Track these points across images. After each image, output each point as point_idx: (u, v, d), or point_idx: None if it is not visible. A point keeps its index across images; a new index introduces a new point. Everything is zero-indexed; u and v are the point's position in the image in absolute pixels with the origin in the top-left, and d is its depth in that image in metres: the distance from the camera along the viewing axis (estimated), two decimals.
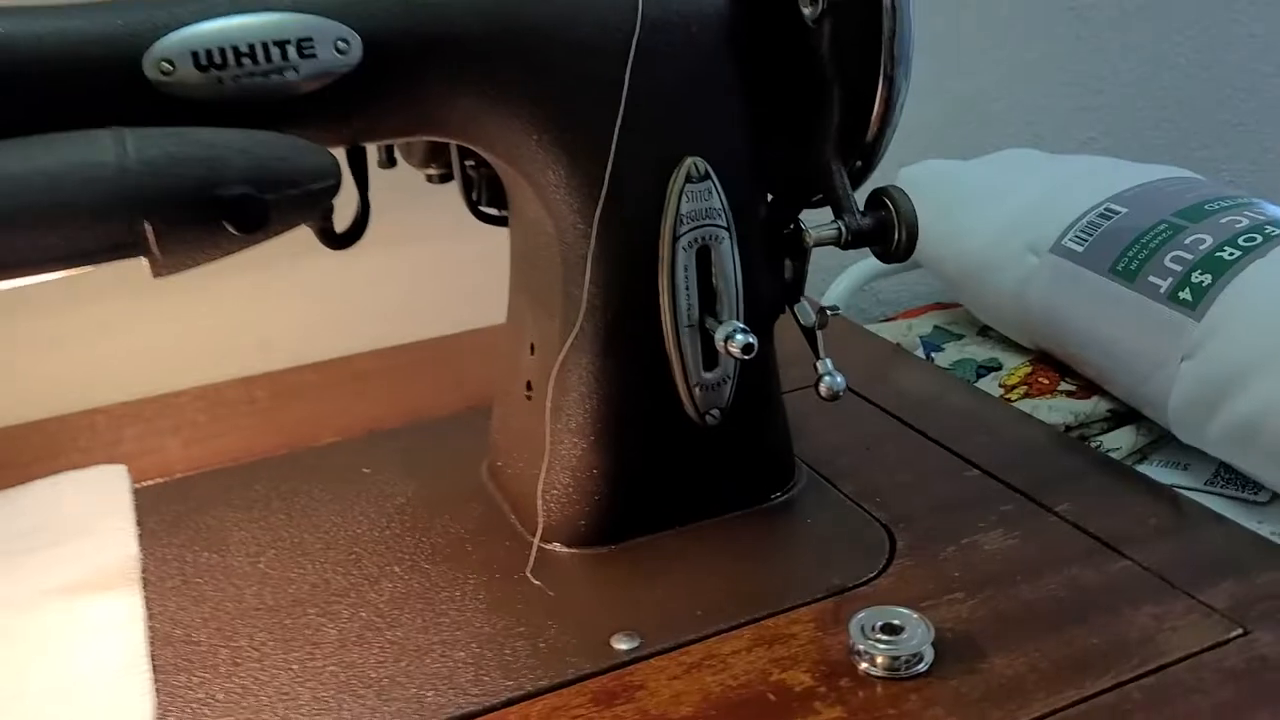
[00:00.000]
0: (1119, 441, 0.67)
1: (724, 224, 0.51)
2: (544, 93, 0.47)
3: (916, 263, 0.84)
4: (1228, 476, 0.63)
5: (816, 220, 0.52)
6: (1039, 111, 1.05)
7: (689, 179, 0.50)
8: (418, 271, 0.82)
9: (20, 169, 0.38)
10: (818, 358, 0.53)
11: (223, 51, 0.42)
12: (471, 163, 0.57)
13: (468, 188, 0.57)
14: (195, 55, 0.42)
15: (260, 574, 0.53)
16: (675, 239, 0.50)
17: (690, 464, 0.54)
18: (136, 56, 0.42)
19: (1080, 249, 0.69)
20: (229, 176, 0.40)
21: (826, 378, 0.52)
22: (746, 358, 0.49)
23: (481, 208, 0.58)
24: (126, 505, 0.58)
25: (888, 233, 0.51)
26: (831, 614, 0.48)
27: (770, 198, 0.54)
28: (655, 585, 0.51)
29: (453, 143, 0.56)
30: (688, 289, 0.51)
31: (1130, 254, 0.65)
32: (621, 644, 0.47)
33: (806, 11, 0.48)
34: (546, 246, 0.52)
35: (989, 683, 0.43)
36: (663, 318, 0.51)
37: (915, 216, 0.50)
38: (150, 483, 0.61)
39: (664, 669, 0.45)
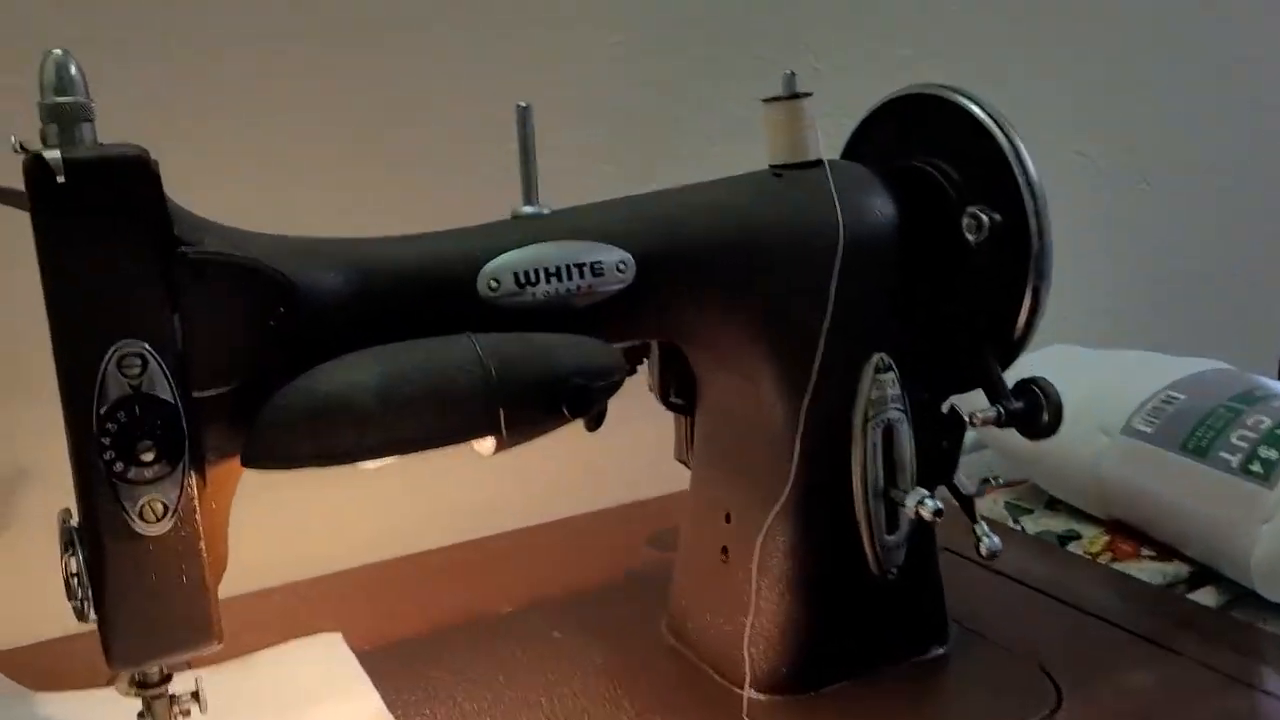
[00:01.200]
0: (1204, 599, 0.76)
1: (902, 408, 0.61)
2: (767, 301, 0.58)
3: (982, 444, 0.95)
4: None
5: (967, 403, 0.63)
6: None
7: (877, 370, 0.60)
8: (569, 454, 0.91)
9: (411, 369, 0.47)
10: (974, 521, 0.62)
11: (536, 271, 0.52)
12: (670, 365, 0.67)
13: (664, 383, 0.67)
14: (515, 274, 0.52)
15: None
16: (866, 421, 0.60)
17: (873, 616, 0.62)
18: (471, 277, 0.52)
19: (1150, 430, 0.80)
20: (563, 371, 0.49)
21: (985, 539, 0.62)
22: (938, 520, 0.59)
23: (671, 399, 0.68)
24: (356, 669, 0.64)
25: (1037, 415, 0.61)
26: None
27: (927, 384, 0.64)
28: None
29: (654, 344, 0.66)
30: (876, 463, 0.60)
31: (1198, 434, 0.77)
32: None
33: (971, 237, 0.59)
34: (748, 430, 0.62)
35: None
36: (854, 488, 0.60)
37: (1061, 402, 0.61)
38: (367, 649, 0.67)
39: None
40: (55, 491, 0.75)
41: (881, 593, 0.62)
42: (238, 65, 0.76)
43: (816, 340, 0.59)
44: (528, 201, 0.56)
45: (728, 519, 0.64)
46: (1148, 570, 0.78)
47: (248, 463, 0.47)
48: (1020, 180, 0.59)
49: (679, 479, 0.86)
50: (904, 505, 0.60)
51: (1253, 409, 0.76)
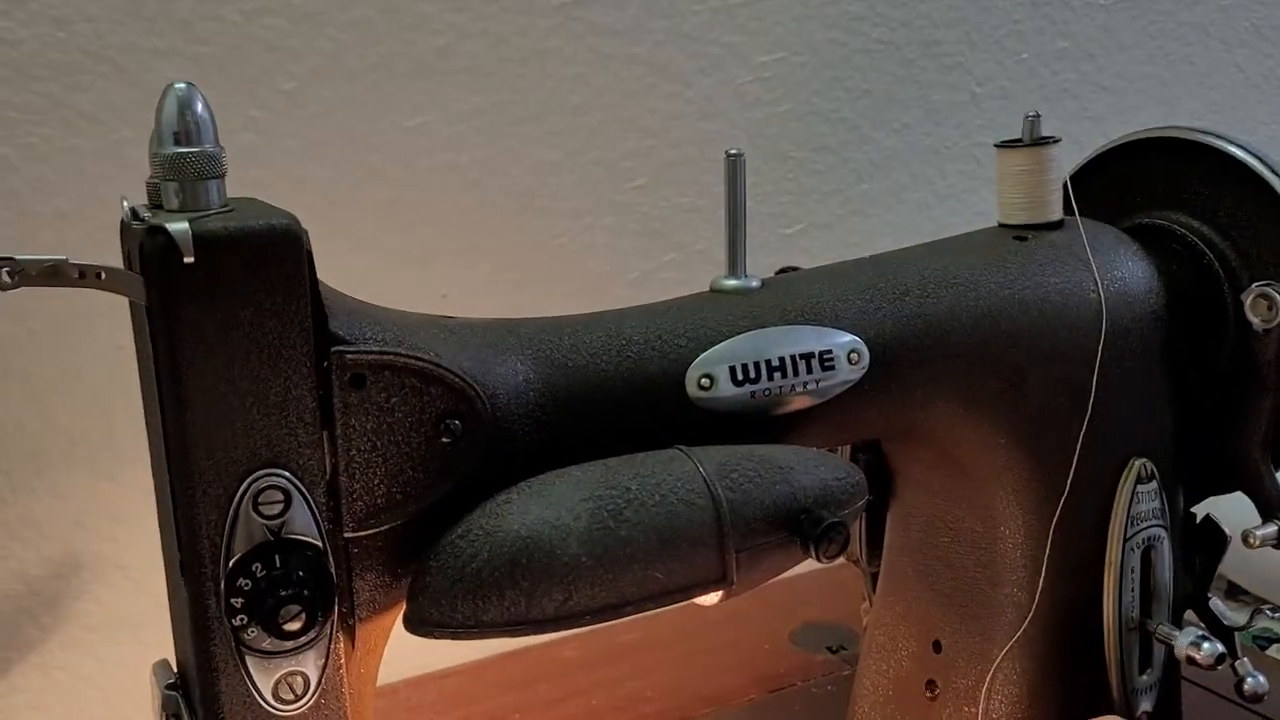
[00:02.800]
0: None
1: (1164, 523, 0.50)
2: (1016, 397, 0.47)
3: None
4: None
5: (1236, 516, 0.52)
6: None
7: (1139, 480, 0.49)
8: None
9: (625, 503, 0.36)
10: (1236, 658, 0.52)
11: (757, 365, 0.42)
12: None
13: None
14: (733, 370, 0.41)
15: None
16: (1125, 540, 0.49)
17: None
18: (679, 372, 0.41)
19: None
20: (805, 500, 0.39)
21: (1250, 679, 0.51)
22: (1217, 668, 0.48)
23: None
24: None
25: None
26: None
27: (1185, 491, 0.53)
28: None
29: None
30: (1133, 590, 0.50)
31: None
32: None
33: (1256, 321, 0.49)
34: (968, 546, 0.51)
35: None
36: (1105, 620, 0.50)
37: None
38: None
39: None
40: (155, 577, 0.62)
41: None
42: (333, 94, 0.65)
43: (1065, 444, 0.48)
44: (733, 273, 0.45)
45: (936, 648, 0.53)
46: None
47: (414, 628, 0.36)
48: None
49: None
50: (1172, 644, 0.49)
51: None
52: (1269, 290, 0.48)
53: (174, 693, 0.37)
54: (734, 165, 0.44)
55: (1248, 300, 0.49)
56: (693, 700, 0.65)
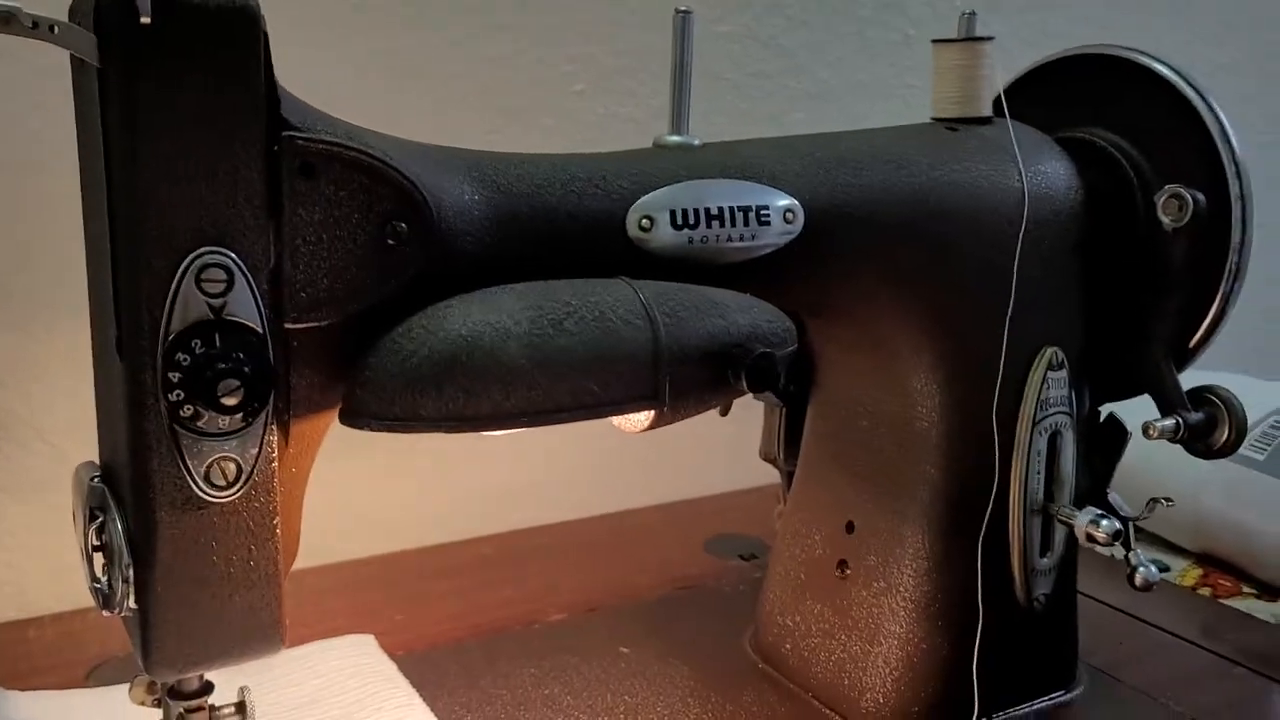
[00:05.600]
0: None
1: (1070, 412, 0.53)
2: (939, 274, 0.49)
3: None
4: None
5: (1137, 413, 0.55)
6: None
7: (1049, 367, 0.52)
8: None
9: (566, 314, 0.37)
10: (1129, 549, 0.54)
11: (696, 212, 0.43)
12: None
13: None
14: (672, 214, 0.42)
15: None
16: (1034, 424, 0.51)
17: (1012, 650, 0.54)
18: (620, 212, 0.42)
19: (1261, 456, 0.73)
20: (740, 334, 0.40)
21: (1141, 568, 0.53)
22: (1114, 543, 0.50)
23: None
24: (395, 676, 0.53)
25: (1216, 429, 0.53)
26: None
27: (1092, 387, 0.56)
28: None
29: None
30: (1039, 473, 0.52)
31: None
32: None
33: (1167, 220, 0.51)
34: (885, 426, 0.53)
35: None
36: (1010, 501, 0.52)
37: (1245, 414, 0.53)
38: (401, 653, 0.56)
39: None
40: (68, 440, 0.62)
41: (1023, 623, 0.54)
42: None
43: (989, 325, 0.50)
44: (676, 130, 0.46)
45: (849, 529, 0.55)
46: (1257, 609, 0.71)
47: (350, 419, 0.36)
48: (1225, 160, 0.52)
49: (740, 477, 0.77)
50: (1072, 524, 0.52)
51: None
52: (1180, 190, 0.51)
53: (100, 485, 0.36)
54: (683, 22, 0.45)
55: (1160, 200, 0.51)
56: (603, 594, 0.66)
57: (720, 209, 0.43)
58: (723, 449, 0.76)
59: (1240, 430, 0.53)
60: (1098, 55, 0.57)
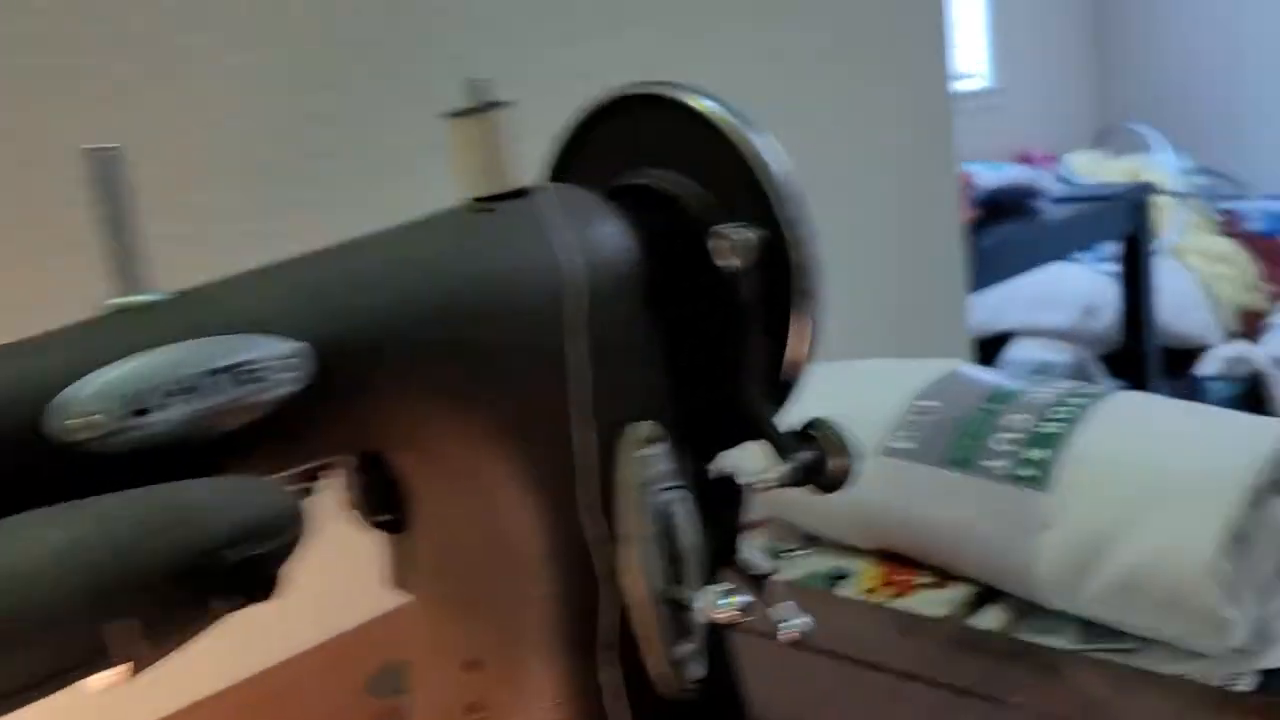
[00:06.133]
0: (991, 621, 0.70)
1: (677, 484, 0.49)
2: (497, 381, 0.44)
3: None
4: (1095, 633, 0.67)
5: (739, 463, 0.52)
6: None
7: (643, 445, 0.47)
8: None
9: None
10: (768, 606, 0.51)
11: (155, 391, 0.35)
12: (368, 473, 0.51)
13: (368, 497, 0.51)
14: (124, 399, 0.35)
15: None
16: (640, 510, 0.47)
17: None
18: (34, 415, 0.33)
19: (911, 445, 0.73)
20: (216, 539, 0.33)
21: (788, 621, 0.51)
22: (749, 618, 0.47)
23: (377, 518, 0.52)
24: None
25: (827, 464, 0.51)
26: None
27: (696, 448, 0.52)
28: None
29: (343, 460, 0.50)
30: (656, 560, 0.48)
31: (962, 444, 0.70)
32: None
33: (724, 263, 0.48)
34: (486, 551, 0.47)
35: None
36: (633, 599, 0.47)
37: (852, 442, 0.51)
38: None
39: None
40: None
41: (680, 714, 0.50)
42: None
43: (558, 421, 0.45)
44: (128, 288, 0.38)
45: (476, 666, 0.49)
46: (933, 602, 0.71)
47: None
48: (772, 188, 0.49)
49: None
50: (698, 607, 0.48)
51: (1009, 407, 0.71)
52: (729, 231, 0.48)
53: None
54: (105, 162, 0.37)
55: (714, 244, 0.48)
56: None
57: (190, 378, 0.36)
58: (366, 569, 0.69)
59: (851, 460, 0.51)
60: (640, 95, 0.53)
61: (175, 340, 0.36)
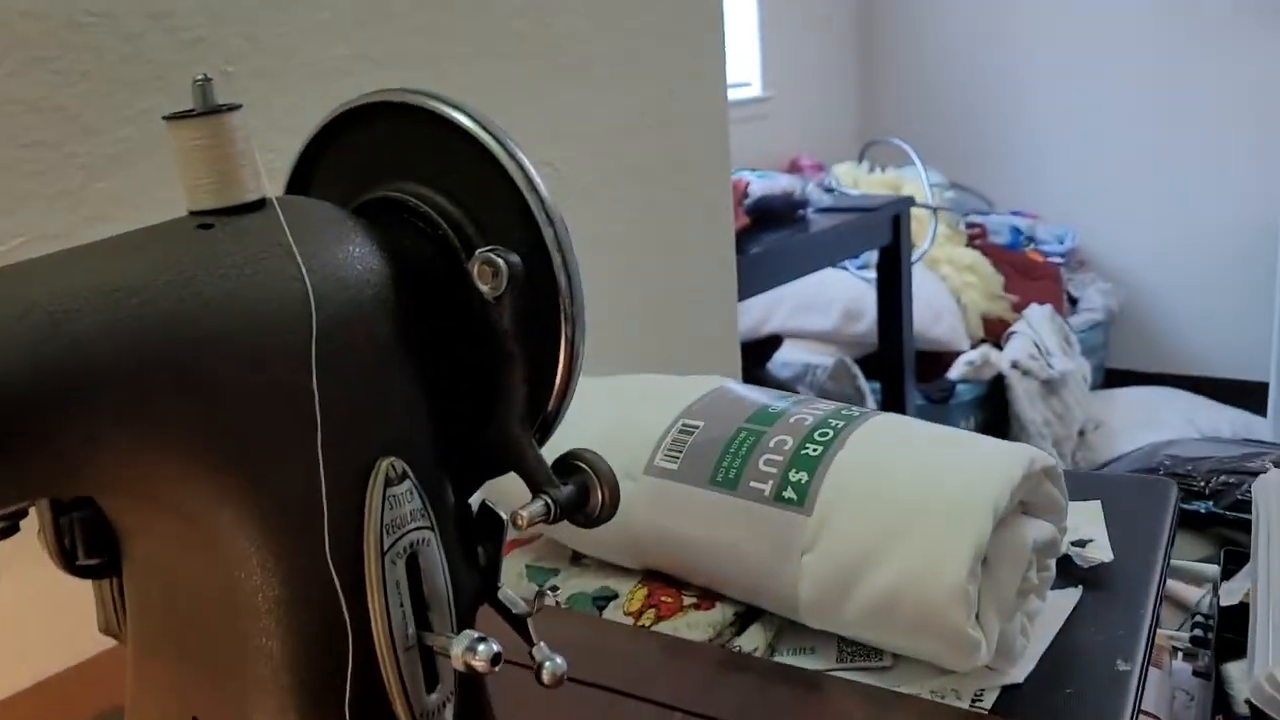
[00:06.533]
0: (753, 641, 0.69)
1: (429, 524, 0.45)
2: (219, 417, 0.39)
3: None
4: (851, 650, 0.68)
5: (501, 499, 0.49)
6: None
7: (388, 483, 0.44)
8: None
9: None
10: (532, 644, 0.49)
11: None
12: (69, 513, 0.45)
13: (63, 541, 0.45)
14: None
15: None
16: (383, 554, 0.43)
17: None
18: None
19: (675, 466, 0.72)
20: None
21: (548, 663, 0.48)
22: (495, 669, 0.44)
23: (80, 563, 0.46)
24: None
25: (590, 498, 0.49)
26: None
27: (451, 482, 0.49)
28: None
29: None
30: (402, 605, 0.44)
31: (725, 464, 0.70)
32: None
33: (486, 289, 0.45)
34: (205, 599, 0.43)
35: None
36: (377, 647, 0.44)
37: (614, 474, 0.49)
38: None
39: None
40: None
41: None
42: None
43: (293, 459, 0.41)
44: None
45: None
46: (697, 624, 0.70)
47: None
48: (536, 209, 0.46)
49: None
50: (448, 655, 0.44)
51: (773, 429, 0.71)
52: (491, 256, 0.45)
53: None
54: None
55: (474, 268, 0.45)
56: None
57: None
58: (75, 608, 0.62)
59: (614, 492, 0.49)
60: (393, 103, 0.49)
61: None
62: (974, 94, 3.85)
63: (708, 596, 0.73)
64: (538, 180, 0.47)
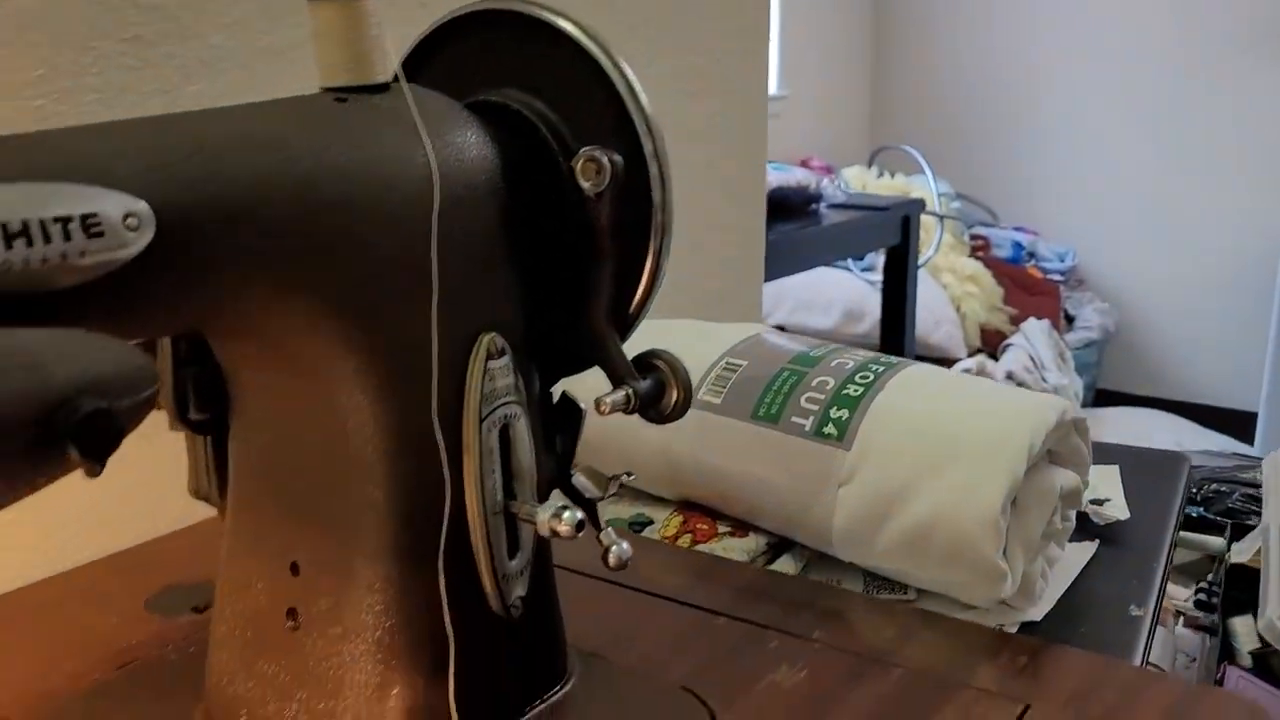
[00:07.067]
0: (784, 568, 0.73)
1: (520, 400, 0.48)
2: (345, 274, 0.42)
3: None
4: (877, 584, 0.72)
5: (585, 389, 0.52)
6: None
7: (489, 356, 0.47)
8: None
9: None
10: (600, 529, 0.52)
11: None
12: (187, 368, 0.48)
13: (181, 390, 0.48)
14: None
15: None
16: (481, 420, 0.46)
17: (495, 664, 0.49)
18: None
19: (718, 400, 0.75)
20: (64, 388, 0.30)
21: (614, 547, 0.51)
22: (578, 535, 0.47)
23: (191, 415, 0.49)
24: None
25: (665, 394, 0.52)
26: None
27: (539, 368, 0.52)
28: None
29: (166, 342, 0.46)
30: (494, 472, 0.47)
31: (767, 400, 0.73)
32: None
33: (587, 185, 0.48)
34: (316, 450, 0.45)
35: None
36: (469, 509, 0.47)
37: (689, 376, 0.52)
38: None
39: None
40: None
41: (504, 634, 0.49)
42: None
43: (407, 321, 0.44)
44: None
45: (294, 570, 0.47)
46: (733, 548, 0.73)
47: None
48: (636, 118, 0.49)
49: (186, 512, 0.67)
50: (534, 522, 0.47)
51: (815, 370, 0.74)
52: (596, 153, 0.48)
53: None
54: None
55: (578, 165, 0.48)
56: (9, 700, 0.52)
57: (25, 223, 0.33)
58: (156, 481, 0.65)
59: (687, 391, 0.52)
60: (504, 11, 0.52)
61: (10, 180, 0.33)
62: (983, 109, 3.89)
63: (743, 526, 0.76)
64: (640, 91, 0.50)
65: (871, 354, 0.77)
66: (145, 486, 0.66)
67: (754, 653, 0.57)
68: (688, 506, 0.79)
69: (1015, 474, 0.64)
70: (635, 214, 0.50)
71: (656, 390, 0.52)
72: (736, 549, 0.73)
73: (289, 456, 0.46)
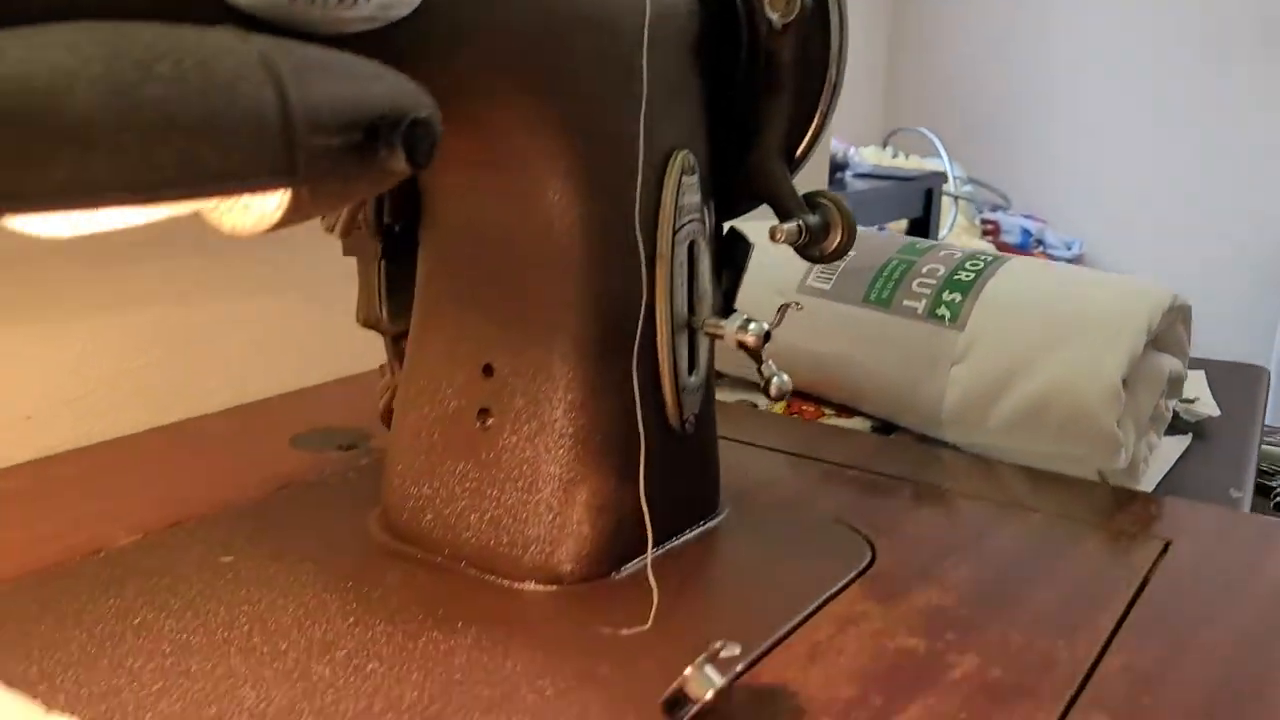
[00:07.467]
0: None
1: (704, 220, 0.50)
2: (565, 79, 0.44)
3: None
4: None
5: (754, 222, 0.54)
6: None
7: (684, 171, 0.48)
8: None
9: (155, 56, 0.26)
10: (761, 362, 0.53)
11: None
12: None
13: (379, 198, 0.49)
14: None
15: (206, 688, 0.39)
16: (674, 233, 0.48)
17: (671, 475, 0.51)
18: None
19: (828, 286, 0.77)
20: (381, 102, 0.31)
21: (775, 379, 0.53)
22: (766, 344, 0.49)
23: (386, 220, 0.50)
24: None
25: (830, 232, 0.54)
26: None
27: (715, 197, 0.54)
28: (695, 599, 0.47)
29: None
30: (682, 286, 0.49)
31: (879, 285, 0.75)
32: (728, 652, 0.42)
33: (774, 17, 0.50)
34: (519, 252, 0.47)
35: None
36: (658, 318, 0.48)
37: (854, 215, 0.54)
38: None
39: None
40: None
41: (679, 447, 0.51)
42: None
43: (620, 129, 0.45)
44: None
45: (488, 372, 0.48)
46: (841, 424, 0.75)
47: None
48: None
49: (320, 370, 0.69)
50: (720, 334, 0.49)
51: (924, 259, 0.76)
52: None
53: None
54: None
55: None
56: (180, 508, 0.54)
57: None
58: (301, 339, 0.67)
59: (852, 232, 0.54)
60: None
61: None
62: (997, 95, 3.92)
63: (846, 410, 0.78)
64: None
65: (973, 249, 0.79)
66: (270, 341, 0.68)
67: (893, 499, 0.59)
68: (792, 394, 0.80)
69: (1135, 348, 0.66)
70: (812, 56, 0.51)
71: (823, 227, 0.53)
72: (845, 425, 0.75)
73: (486, 260, 0.48)
